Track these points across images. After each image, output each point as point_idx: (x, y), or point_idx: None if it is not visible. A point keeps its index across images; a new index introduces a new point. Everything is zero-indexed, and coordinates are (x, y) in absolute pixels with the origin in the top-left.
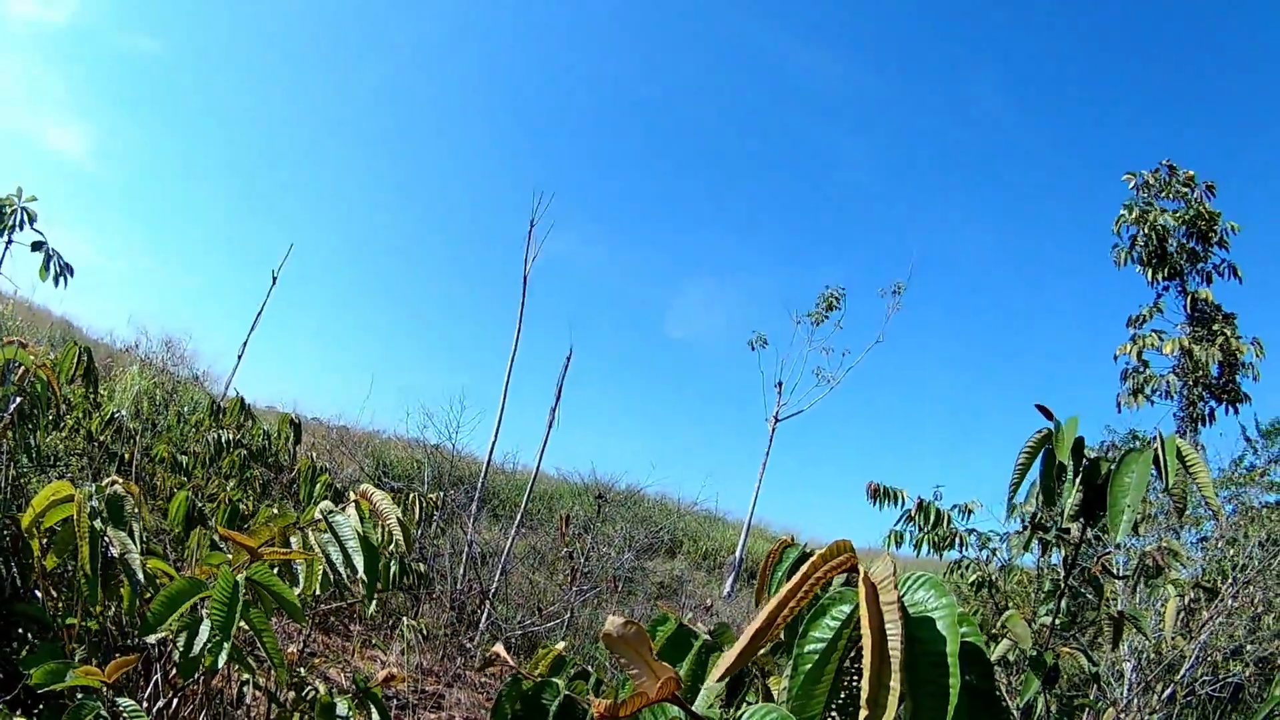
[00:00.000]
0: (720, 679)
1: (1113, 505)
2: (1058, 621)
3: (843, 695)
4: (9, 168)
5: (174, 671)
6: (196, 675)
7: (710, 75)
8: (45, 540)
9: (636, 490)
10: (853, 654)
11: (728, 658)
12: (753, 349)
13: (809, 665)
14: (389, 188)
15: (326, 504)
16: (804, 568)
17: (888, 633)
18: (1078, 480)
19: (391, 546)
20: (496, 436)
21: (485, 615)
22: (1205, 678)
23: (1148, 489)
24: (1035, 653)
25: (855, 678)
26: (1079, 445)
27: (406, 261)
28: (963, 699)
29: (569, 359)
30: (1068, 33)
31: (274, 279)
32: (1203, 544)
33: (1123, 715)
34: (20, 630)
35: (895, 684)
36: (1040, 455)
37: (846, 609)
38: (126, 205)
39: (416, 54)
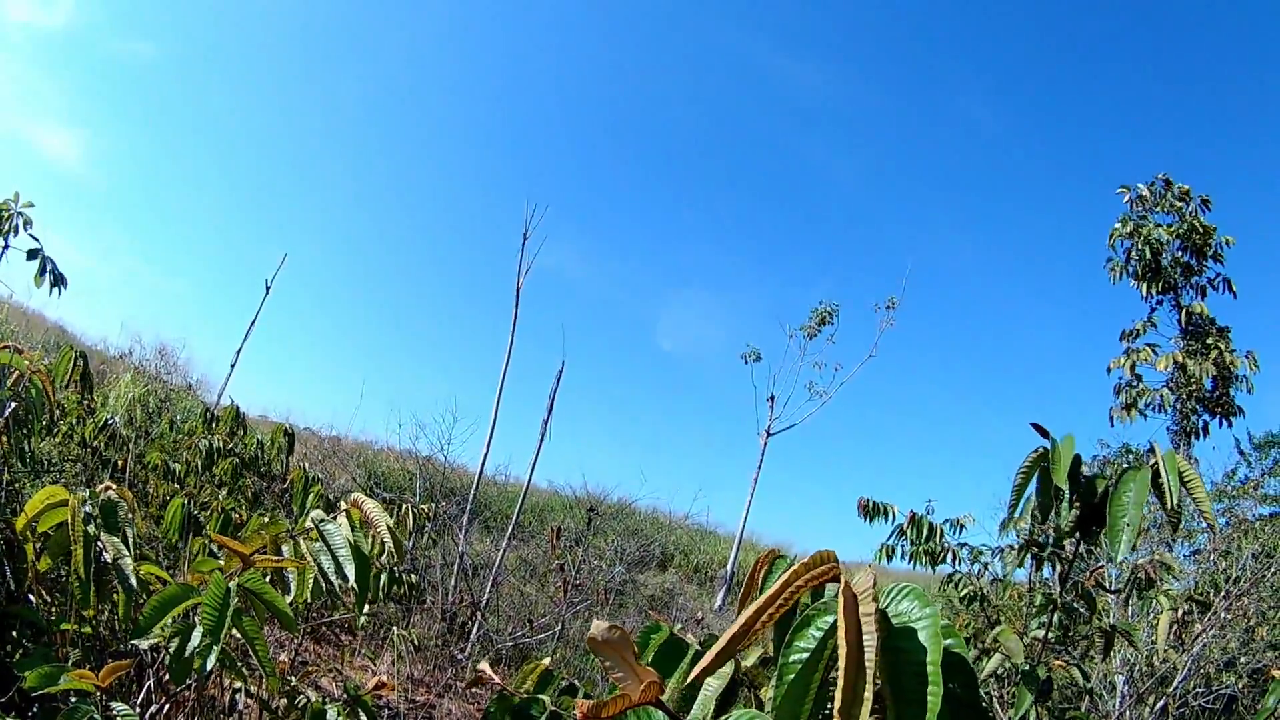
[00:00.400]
0: (697, 677)
1: (1112, 525)
2: (1050, 635)
3: (829, 706)
4: (2, 172)
5: (167, 677)
6: (189, 681)
7: (701, 89)
8: (40, 544)
9: (628, 503)
10: (839, 664)
11: (706, 658)
12: (746, 362)
13: (793, 675)
14: (382, 197)
15: (318, 512)
16: (785, 575)
17: (865, 644)
18: (1074, 499)
19: (383, 557)
20: (488, 448)
21: (476, 627)
22: (1198, 690)
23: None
24: (1028, 666)
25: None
26: (1076, 464)
27: (399, 272)
28: (945, 709)
29: (561, 372)
30: (1061, 45)
31: (268, 288)
32: (1196, 556)
33: None
34: (14, 634)
35: (868, 695)
36: (1036, 474)
37: (831, 619)
38: (120, 211)
39: (409, 64)
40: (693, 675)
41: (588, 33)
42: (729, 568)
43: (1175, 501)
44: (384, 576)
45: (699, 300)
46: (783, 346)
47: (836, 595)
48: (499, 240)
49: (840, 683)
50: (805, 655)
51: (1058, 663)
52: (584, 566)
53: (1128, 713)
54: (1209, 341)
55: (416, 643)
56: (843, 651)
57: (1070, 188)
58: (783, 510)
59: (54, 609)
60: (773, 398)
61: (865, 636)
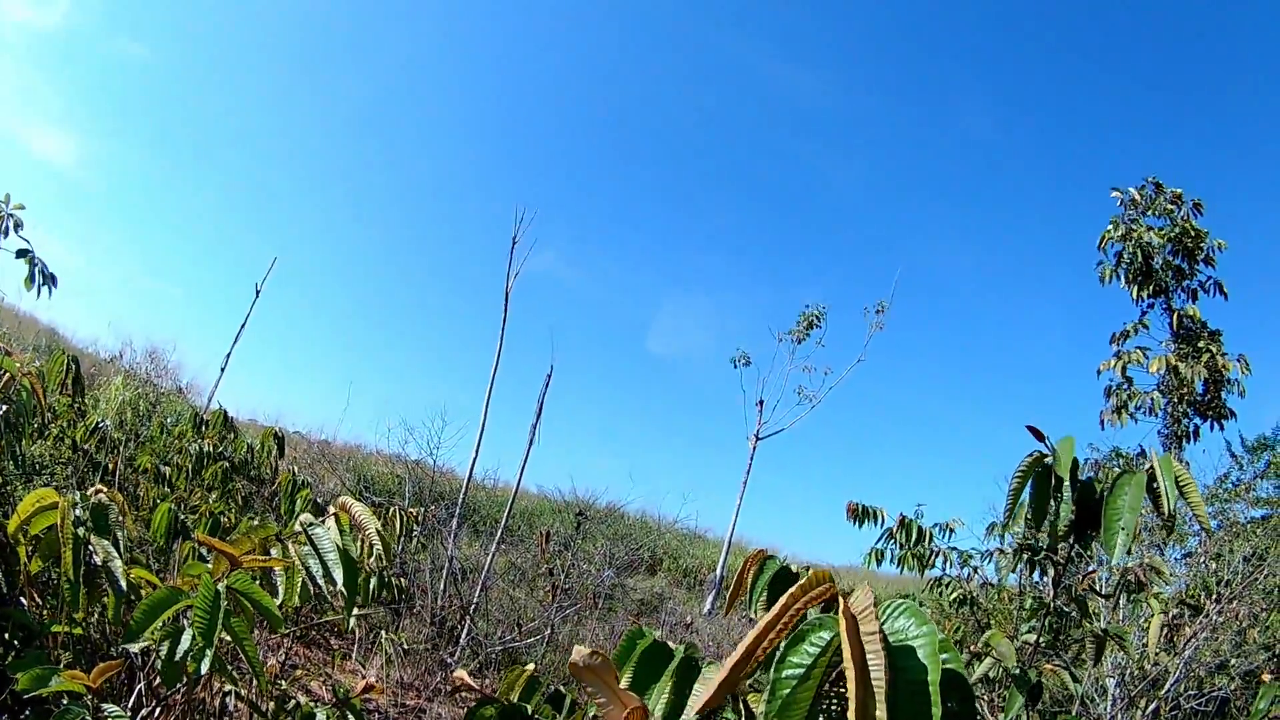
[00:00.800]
0: (700, 711)
1: (1108, 528)
2: (1041, 639)
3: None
4: None
5: (157, 680)
6: (179, 684)
7: (695, 93)
8: (31, 547)
9: (617, 507)
10: (831, 679)
11: (708, 689)
12: (735, 366)
13: (786, 690)
14: (374, 201)
15: (307, 516)
16: (783, 599)
17: (870, 663)
18: (1072, 501)
19: (372, 560)
20: (477, 452)
21: (466, 631)
22: (1190, 693)
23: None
24: (1019, 670)
25: (833, 702)
26: (1074, 466)
27: (389, 276)
28: None
29: (550, 376)
30: (1052, 50)
31: (257, 292)
32: (1187, 559)
33: None
34: (6, 636)
35: (881, 714)
36: (1031, 477)
37: (826, 636)
38: (111, 213)
39: (403, 68)
40: (697, 709)
41: (582, 36)
42: (718, 572)
43: (1172, 505)
44: (373, 580)
45: (690, 304)
46: (772, 350)
47: (834, 612)
48: (490, 244)
49: (851, 704)
50: (800, 671)
51: (1048, 667)
52: (573, 571)
53: (1119, 716)
54: (1200, 345)
55: (405, 647)
56: (851, 673)
57: (1060, 193)
58: (772, 514)
59: (45, 611)
60: (762, 402)
61: (870, 656)
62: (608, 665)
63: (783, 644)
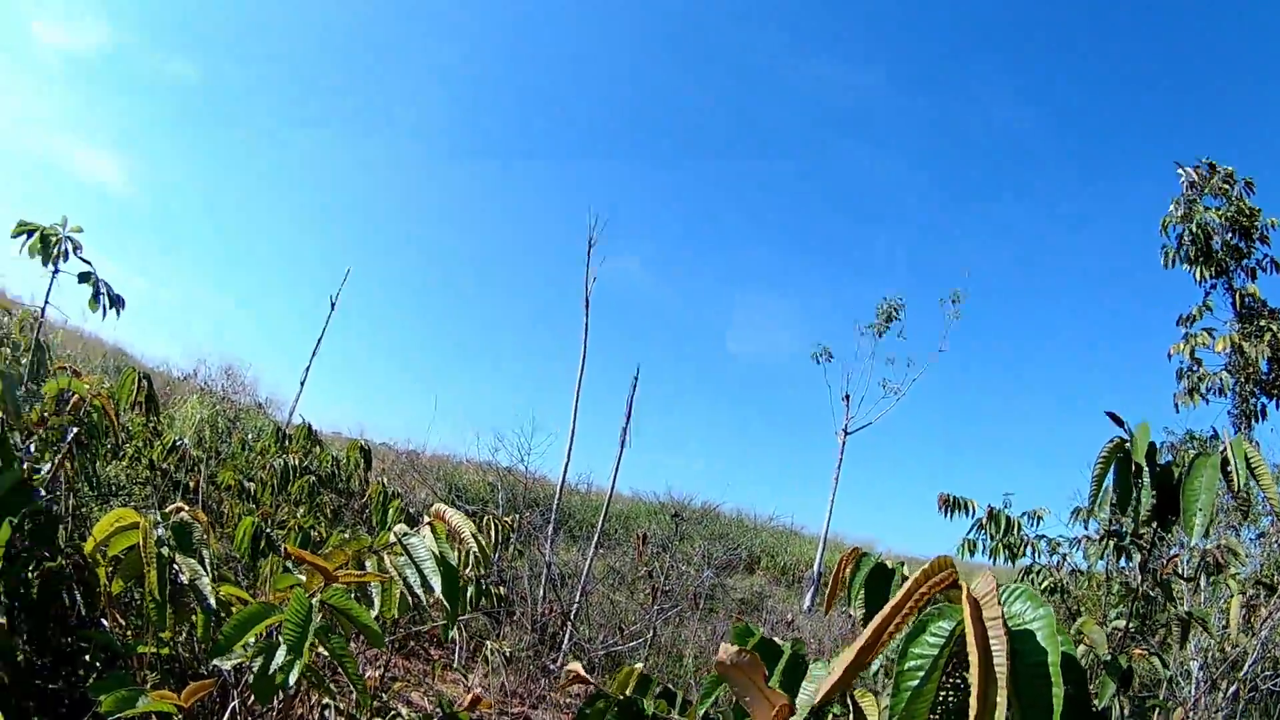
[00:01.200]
0: (828, 695)
1: (1187, 509)
2: (1129, 624)
3: (939, 710)
4: (45, 197)
5: (251, 698)
6: (275, 702)
7: (752, 97)
8: (111, 568)
9: (712, 507)
10: (949, 667)
11: (834, 674)
12: (818, 362)
13: (914, 682)
14: (444, 210)
15: (401, 526)
16: (907, 585)
17: (993, 649)
18: (1151, 485)
19: (469, 570)
20: (569, 457)
21: (567, 636)
22: (1266, 674)
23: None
24: (1110, 657)
25: (950, 692)
26: (1151, 451)
27: (465, 283)
28: (1064, 707)
29: (636, 377)
30: (1098, 39)
31: (332, 305)
32: (1260, 539)
33: (1191, 714)
34: (88, 658)
35: (1001, 700)
36: (1114, 463)
37: (947, 626)
38: (171, 233)
39: (471, 76)
40: (823, 693)
41: (650, 46)
42: (815, 568)
43: (1242, 485)
44: (471, 588)
45: (765, 305)
46: (853, 345)
47: (958, 601)
48: (565, 250)
49: (974, 690)
50: (925, 662)
51: (1138, 651)
52: (672, 572)
53: (1203, 699)
54: (1262, 324)
55: (508, 654)
56: (974, 659)
57: (1124, 185)
58: (866, 508)
59: (129, 632)
60: (848, 396)
61: (993, 642)
62: (755, 663)
63: (901, 638)
